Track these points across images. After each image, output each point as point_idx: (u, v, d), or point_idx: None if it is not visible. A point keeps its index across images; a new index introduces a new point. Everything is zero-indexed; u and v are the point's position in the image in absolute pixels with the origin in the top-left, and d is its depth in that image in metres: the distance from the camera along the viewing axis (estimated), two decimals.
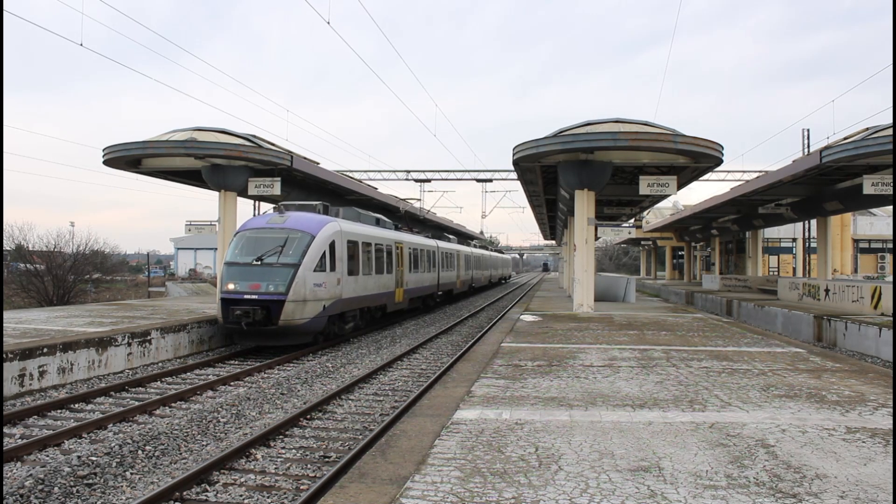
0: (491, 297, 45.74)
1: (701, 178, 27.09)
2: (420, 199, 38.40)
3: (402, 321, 25.50)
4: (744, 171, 41.16)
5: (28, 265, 40.71)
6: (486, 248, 61.97)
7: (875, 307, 21.17)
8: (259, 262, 16.25)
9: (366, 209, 26.75)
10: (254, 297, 15.74)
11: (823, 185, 27.10)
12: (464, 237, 59.75)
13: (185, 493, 6.91)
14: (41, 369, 11.88)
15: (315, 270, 16.36)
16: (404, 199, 38.49)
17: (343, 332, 18.95)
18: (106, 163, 21.90)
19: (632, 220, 36.40)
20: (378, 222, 23.81)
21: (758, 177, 30.35)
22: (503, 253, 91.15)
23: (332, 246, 17.23)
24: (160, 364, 14.85)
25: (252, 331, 15.73)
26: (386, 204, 35.90)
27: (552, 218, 47.23)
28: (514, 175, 35.52)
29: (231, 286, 16.01)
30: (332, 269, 17.21)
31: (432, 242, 31.45)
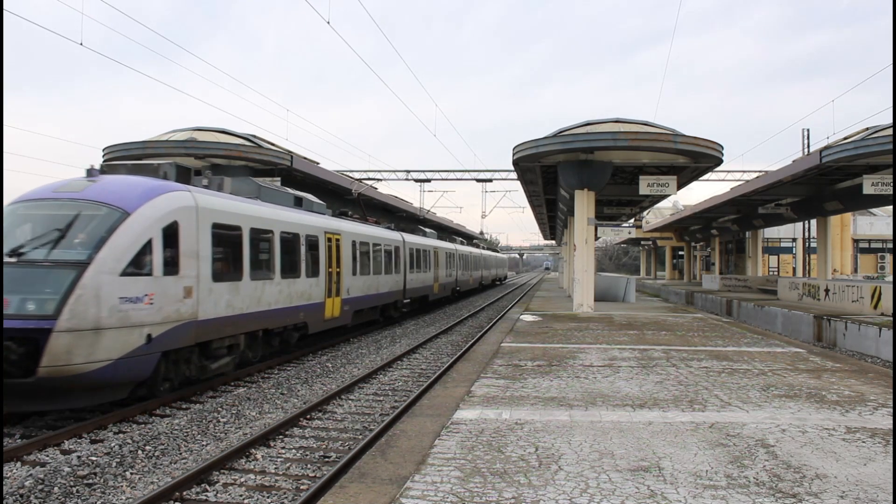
0: (491, 296, 45.68)
1: (701, 178, 27.14)
2: (379, 179, 29.64)
3: (403, 321, 25.47)
4: (744, 171, 41.15)
5: None
6: (478, 246, 56.13)
7: (875, 307, 21.17)
8: (16, 259, 9.38)
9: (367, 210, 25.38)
10: None
11: (823, 185, 27.13)
12: (447, 231, 51.34)
13: (185, 492, 6.91)
14: None
15: (126, 273, 9.61)
16: (359, 180, 32.27)
17: (207, 373, 11.95)
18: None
19: (632, 220, 36.44)
20: (300, 202, 16.73)
21: (758, 177, 30.37)
22: (498, 251, 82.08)
23: (170, 231, 10.48)
24: None
25: None
26: (385, 204, 35.58)
27: (552, 218, 47.26)
28: (514, 175, 35.48)
29: None
30: (172, 270, 10.49)
31: (394, 236, 24.57)
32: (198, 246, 11.18)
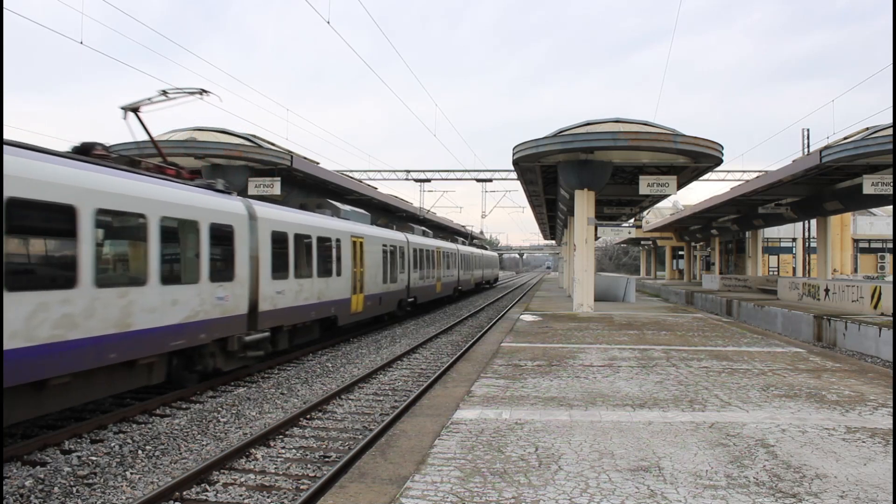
0: (490, 297, 45.60)
1: (701, 178, 27.14)
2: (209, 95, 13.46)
3: (403, 321, 25.46)
4: (744, 171, 41.22)
5: None
6: (456, 239, 46.47)
7: (875, 307, 21.17)
8: None
9: (366, 209, 24.58)
10: None
11: (823, 185, 27.14)
12: (389, 214, 36.42)
13: (184, 492, 6.91)
14: None
15: None
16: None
17: None
18: None
19: (632, 220, 36.44)
20: None
21: (758, 177, 30.39)
22: (486, 248, 63.18)
23: None
24: None
25: None
26: (387, 205, 35.50)
27: (552, 218, 47.24)
28: (513, 175, 35.47)
29: None
30: None
31: (231, 206, 12.57)
32: None
